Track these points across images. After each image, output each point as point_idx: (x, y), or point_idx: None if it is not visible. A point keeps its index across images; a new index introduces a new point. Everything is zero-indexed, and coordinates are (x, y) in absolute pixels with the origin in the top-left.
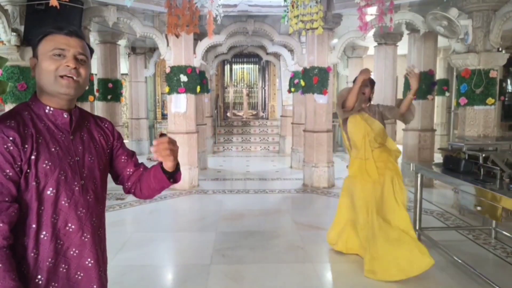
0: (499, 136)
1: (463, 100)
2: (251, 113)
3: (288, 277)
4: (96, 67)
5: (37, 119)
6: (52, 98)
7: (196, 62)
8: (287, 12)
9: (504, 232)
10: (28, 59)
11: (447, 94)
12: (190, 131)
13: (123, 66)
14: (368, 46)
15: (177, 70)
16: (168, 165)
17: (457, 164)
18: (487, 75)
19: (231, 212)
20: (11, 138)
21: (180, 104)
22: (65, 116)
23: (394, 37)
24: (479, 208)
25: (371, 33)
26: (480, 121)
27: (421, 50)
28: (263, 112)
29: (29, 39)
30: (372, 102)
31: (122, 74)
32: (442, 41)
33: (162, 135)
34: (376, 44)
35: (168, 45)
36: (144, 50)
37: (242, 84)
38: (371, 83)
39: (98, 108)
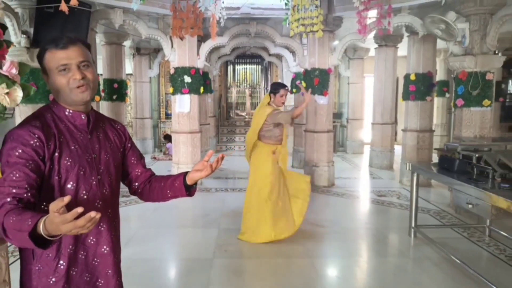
0: (495, 137)
1: (460, 102)
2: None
3: (287, 270)
4: (101, 67)
5: (58, 120)
6: (70, 103)
7: (200, 63)
8: (289, 15)
9: (498, 230)
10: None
11: (447, 95)
12: (194, 131)
13: (128, 66)
14: (369, 48)
15: (181, 71)
16: (200, 175)
17: (451, 164)
18: (484, 77)
19: (233, 209)
20: (37, 136)
21: (184, 104)
22: (83, 117)
23: (395, 39)
24: (470, 206)
25: (371, 35)
26: (476, 122)
27: (420, 52)
28: None
29: (38, 41)
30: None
31: (127, 74)
32: (442, 43)
33: (167, 136)
34: (376, 46)
35: (172, 46)
36: (148, 51)
37: (245, 84)
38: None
39: (103, 107)
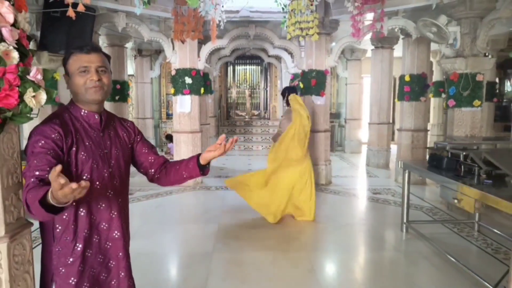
0: (485, 136)
1: (451, 102)
2: (253, 113)
3: (284, 263)
4: None
5: (75, 119)
6: (85, 103)
7: (200, 64)
8: (286, 18)
9: (486, 226)
10: (44, 63)
11: (443, 95)
12: (194, 131)
13: (130, 67)
14: (366, 49)
15: (182, 72)
16: (213, 155)
17: (440, 162)
18: (474, 78)
19: (233, 206)
20: (57, 131)
21: (185, 105)
22: (96, 117)
23: (390, 40)
24: (456, 201)
25: (368, 36)
26: (467, 122)
27: (415, 54)
28: (265, 113)
29: (44, 44)
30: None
31: (129, 75)
32: (438, 45)
33: (168, 136)
34: (373, 47)
35: (173, 48)
36: (150, 52)
37: (245, 85)
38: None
39: (106, 108)
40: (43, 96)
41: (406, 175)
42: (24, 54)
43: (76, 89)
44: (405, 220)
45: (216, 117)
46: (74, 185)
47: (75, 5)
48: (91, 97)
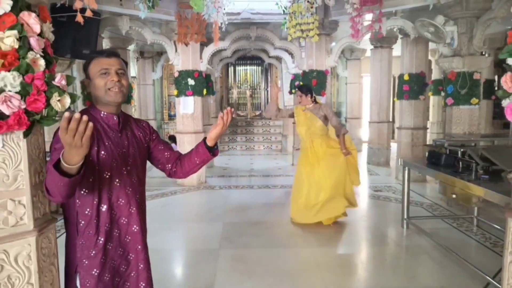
0: (483, 134)
1: (449, 100)
2: (255, 114)
3: (289, 258)
4: None
5: (95, 121)
6: (105, 106)
7: (203, 66)
8: (287, 20)
9: (485, 220)
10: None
11: (442, 94)
12: (198, 131)
13: (132, 69)
14: (366, 49)
15: (185, 74)
16: (216, 131)
17: (439, 159)
18: (471, 77)
19: (237, 205)
20: None
21: (188, 106)
22: (115, 118)
23: (389, 40)
24: (454, 196)
25: (367, 36)
26: (465, 120)
27: (413, 53)
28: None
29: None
30: (322, 103)
31: (131, 77)
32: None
33: (171, 137)
34: (372, 47)
35: (176, 51)
36: (151, 54)
37: (246, 85)
38: (300, 89)
39: None
40: (67, 100)
41: (406, 172)
42: (49, 62)
43: (97, 91)
44: (405, 216)
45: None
46: (77, 115)
47: (82, 11)
48: (111, 99)
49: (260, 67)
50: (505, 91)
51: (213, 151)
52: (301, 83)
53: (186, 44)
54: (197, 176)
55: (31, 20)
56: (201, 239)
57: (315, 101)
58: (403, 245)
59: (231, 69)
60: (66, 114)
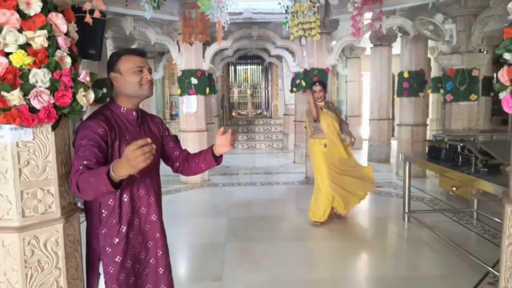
0: (482, 129)
1: (449, 97)
2: (255, 112)
3: (293, 251)
4: None
5: (116, 116)
6: (128, 100)
7: (205, 65)
8: (288, 19)
9: (484, 213)
10: None
11: (441, 91)
12: (201, 129)
13: None
14: (365, 47)
15: (188, 73)
16: (224, 151)
17: (439, 153)
18: (470, 73)
19: (241, 201)
20: (102, 126)
21: (191, 105)
22: (134, 114)
23: (389, 38)
24: (454, 188)
25: (367, 35)
26: (464, 116)
27: (413, 51)
28: (267, 111)
29: None
30: (329, 100)
31: None
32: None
33: (173, 136)
34: (372, 45)
35: (179, 50)
36: (153, 54)
37: (246, 84)
38: (321, 84)
39: None
40: (91, 95)
41: (407, 166)
42: (75, 59)
43: (128, 86)
44: (406, 210)
45: (219, 117)
46: (149, 139)
47: (90, 11)
48: (146, 93)
49: (260, 66)
50: (502, 84)
51: (218, 160)
52: (302, 81)
53: (191, 44)
54: (201, 174)
55: (58, 20)
56: (207, 233)
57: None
58: (405, 237)
59: (231, 68)
60: (148, 140)
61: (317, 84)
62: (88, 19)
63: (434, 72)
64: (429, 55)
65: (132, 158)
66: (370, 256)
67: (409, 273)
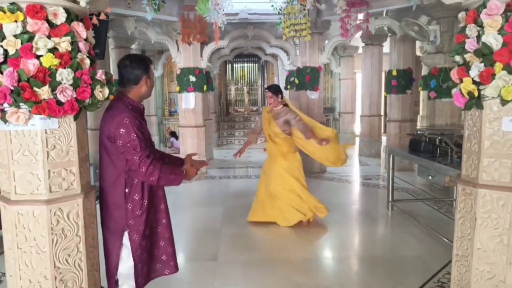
0: (463, 124)
1: (432, 94)
2: (252, 109)
3: (284, 236)
4: (113, 70)
5: (132, 109)
6: (140, 98)
7: (203, 64)
8: (282, 20)
9: None
10: None
11: None
12: (199, 125)
13: None
14: (358, 46)
15: (186, 71)
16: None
17: (418, 146)
18: None
19: (236, 192)
20: (137, 118)
21: (189, 101)
22: (141, 106)
23: (380, 38)
24: (430, 177)
25: (358, 34)
26: (447, 112)
27: (401, 50)
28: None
29: None
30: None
31: None
32: None
33: (172, 133)
34: (364, 44)
35: (178, 49)
36: (153, 53)
37: (243, 82)
38: (269, 89)
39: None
40: (106, 91)
41: (391, 159)
42: (92, 61)
43: (150, 90)
44: (390, 199)
45: (216, 113)
46: (206, 163)
47: (97, 14)
48: (149, 96)
49: (256, 64)
50: (453, 82)
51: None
52: (296, 79)
53: (190, 44)
54: None
55: (79, 28)
56: (204, 220)
57: (285, 104)
58: (387, 224)
59: (228, 66)
60: (207, 162)
61: (267, 90)
62: (94, 20)
63: (425, 70)
64: (420, 54)
65: (195, 174)
66: (357, 241)
67: (388, 254)
